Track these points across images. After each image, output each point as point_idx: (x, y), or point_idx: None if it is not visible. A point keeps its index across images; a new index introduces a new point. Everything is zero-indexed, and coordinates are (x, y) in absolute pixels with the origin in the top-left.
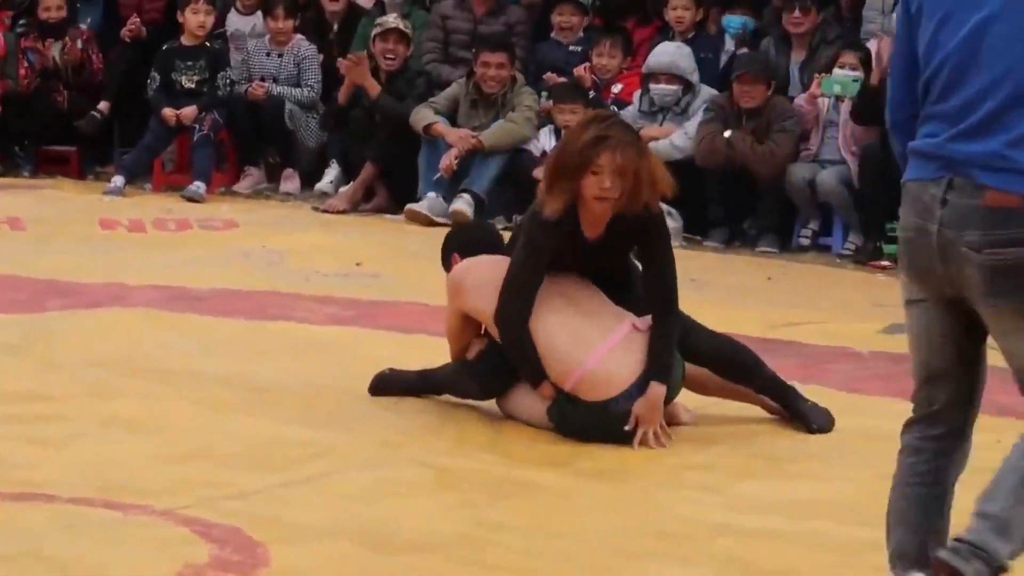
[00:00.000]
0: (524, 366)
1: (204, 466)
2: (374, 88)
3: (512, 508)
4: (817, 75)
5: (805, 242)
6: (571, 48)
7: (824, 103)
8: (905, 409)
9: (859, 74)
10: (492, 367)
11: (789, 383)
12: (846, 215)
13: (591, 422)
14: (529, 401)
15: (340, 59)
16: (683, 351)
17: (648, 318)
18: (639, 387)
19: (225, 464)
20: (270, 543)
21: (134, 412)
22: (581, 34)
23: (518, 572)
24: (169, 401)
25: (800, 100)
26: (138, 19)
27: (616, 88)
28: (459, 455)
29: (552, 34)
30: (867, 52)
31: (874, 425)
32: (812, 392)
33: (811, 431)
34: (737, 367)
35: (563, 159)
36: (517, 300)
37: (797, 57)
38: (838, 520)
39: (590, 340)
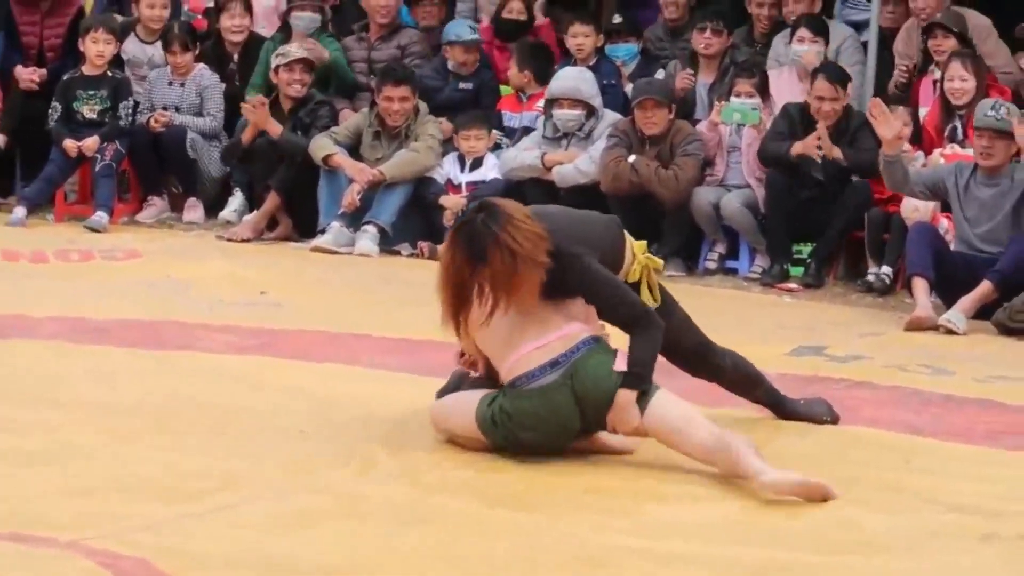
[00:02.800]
0: None
1: (109, 497)
2: (276, 130)
3: (418, 535)
4: (717, 102)
5: (712, 266)
6: (461, 86)
7: (726, 129)
8: (812, 430)
9: (756, 101)
10: None
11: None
12: (752, 239)
13: (504, 405)
14: (461, 407)
15: (241, 103)
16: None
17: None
18: (542, 370)
19: (130, 495)
20: (177, 574)
21: (37, 444)
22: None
23: None
24: (72, 432)
25: (701, 127)
26: (35, 74)
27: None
28: (365, 482)
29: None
30: (764, 79)
31: (780, 446)
32: (721, 416)
33: (824, 423)
34: (747, 380)
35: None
36: None
37: (706, 79)
38: (747, 543)
39: (523, 337)
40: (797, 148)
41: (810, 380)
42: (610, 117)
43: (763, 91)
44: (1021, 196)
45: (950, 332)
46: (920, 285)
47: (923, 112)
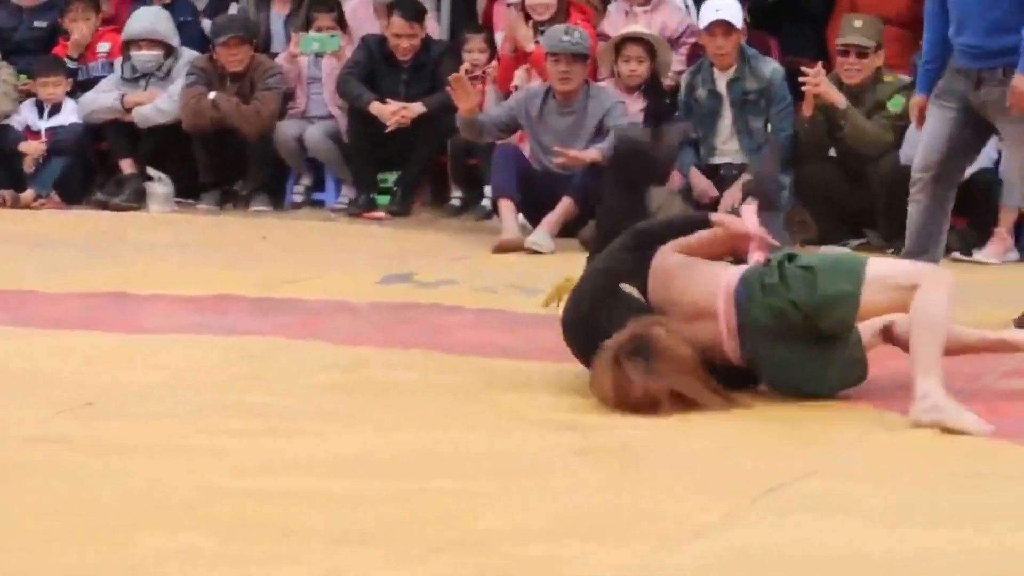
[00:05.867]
0: None
1: None
2: None
3: (17, 488)
4: (295, 33)
5: (299, 199)
6: (36, 24)
7: (305, 60)
8: (402, 358)
9: (337, 32)
10: None
11: None
12: (337, 169)
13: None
14: None
15: None
16: None
17: None
18: None
19: None
20: None
21: None
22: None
23: (10, 554)
24: None
25: (281, 59)
26: None
27: (104, 47)
28: None
29: None
30: (340, 12)
31: (375, 377)
32: (312, 348)
33: None
34: None
35: None
36: None
37: (280, 11)
38: (343, 475)
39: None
40: (374, 109)
41: (401, 307)
42: (188, 55)
43: (342, 23)
44: (597, 128)
45: (537, 252)
46: (506, 207)
47: (499, 37)
